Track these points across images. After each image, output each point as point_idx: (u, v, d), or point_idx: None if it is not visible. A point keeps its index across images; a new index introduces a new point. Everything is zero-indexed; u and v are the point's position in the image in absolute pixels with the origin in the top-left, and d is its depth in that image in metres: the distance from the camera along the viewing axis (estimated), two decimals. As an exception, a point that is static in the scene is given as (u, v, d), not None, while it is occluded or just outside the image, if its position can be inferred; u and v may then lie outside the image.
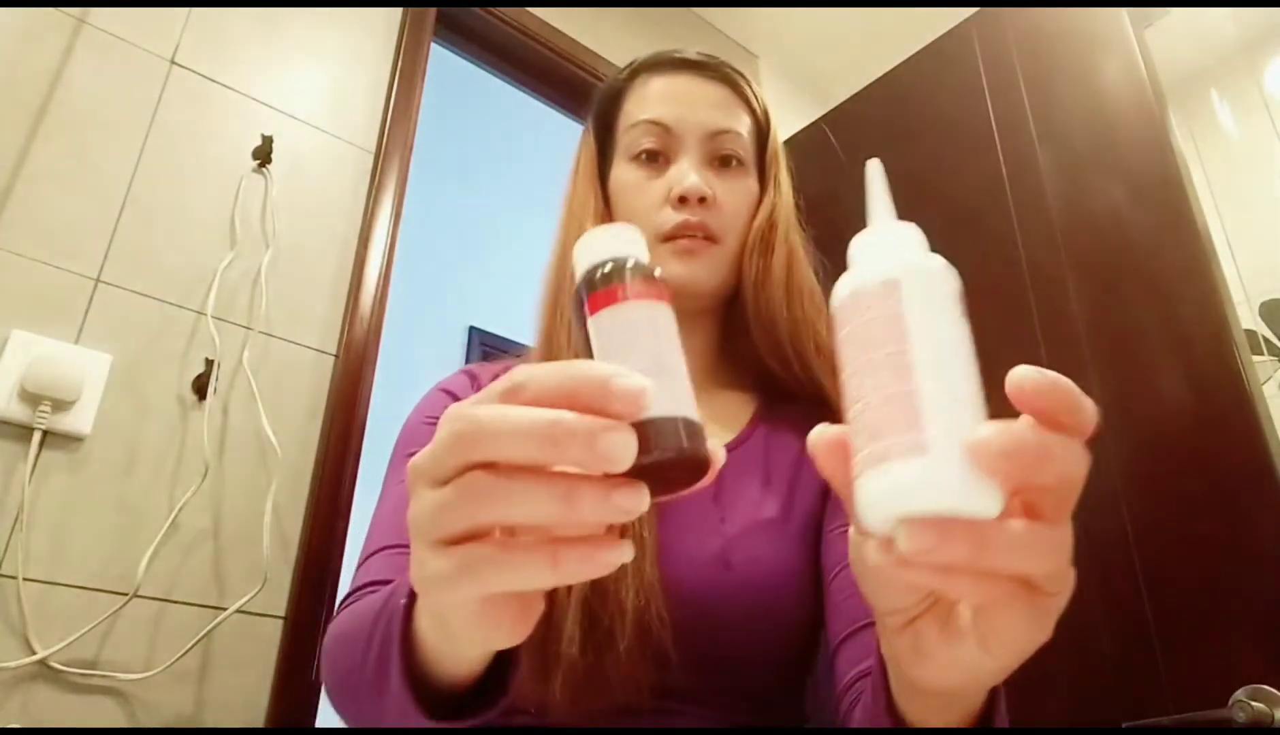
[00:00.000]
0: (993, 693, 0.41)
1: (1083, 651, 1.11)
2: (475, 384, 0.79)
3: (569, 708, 0.60)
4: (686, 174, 0.77)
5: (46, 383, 1.10)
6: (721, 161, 0.80)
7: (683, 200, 0.76)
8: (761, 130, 0.84)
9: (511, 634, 0.34)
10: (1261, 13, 2.39)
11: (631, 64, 0.86)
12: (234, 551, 1.21)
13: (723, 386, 0.82)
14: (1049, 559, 0.30)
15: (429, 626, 0.41)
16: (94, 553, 1.11)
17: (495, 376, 0.72)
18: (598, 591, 0.61)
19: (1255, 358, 1.64)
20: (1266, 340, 2.20)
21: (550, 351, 0.75)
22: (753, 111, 0.84)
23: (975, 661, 0.33)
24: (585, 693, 0.60)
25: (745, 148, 0.81)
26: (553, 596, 0.61)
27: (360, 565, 0.69)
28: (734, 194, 0.79)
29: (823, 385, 0.76)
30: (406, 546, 0.66)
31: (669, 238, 0.76)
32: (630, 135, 0.81)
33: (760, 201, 0.81)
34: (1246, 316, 2.09)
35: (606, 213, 0.81)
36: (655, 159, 0.79)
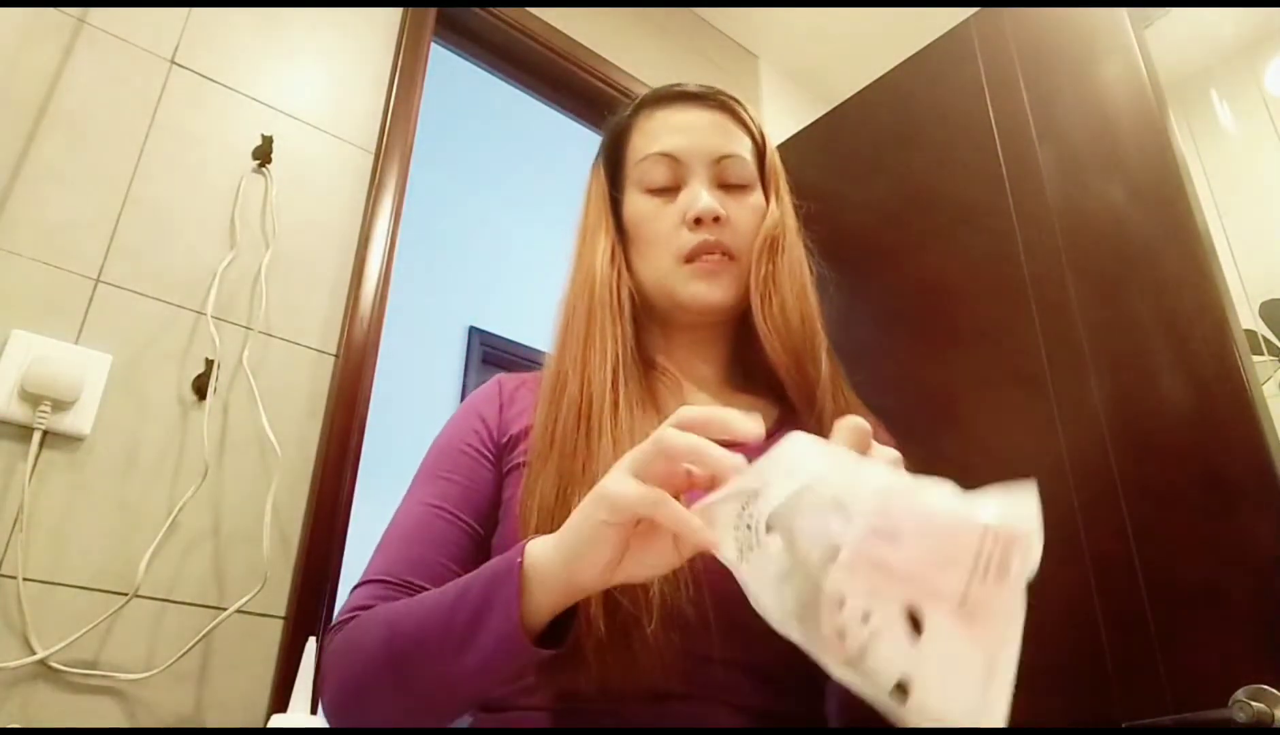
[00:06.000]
0: None
1: (1083, 651, 1.11)
2: (503, 393, 0.83)
3: (598, 692, 0.63)
4: (699, 196, 0.80)
5: (46, 383, 1.10)
6: (729, 184, 0.83)
7: (698, 222, 0.80)
8: (760, 149, 0.88)
9: (609, 563, 0.51)
10: (1261, 13, 2.39)
11: (635, 101, 0.91)
12: (234, 551, 1.21)
13: (741, 391, 0.85)
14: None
15: (544, 563, 0.55)
16: (94, 553, 1.11)
17: (521, 386, 0.83)
18: (623, 588, 0.62)
19: (1255, 358, 1.64)
20: (1266, 340, 2.20)
21: (584, 371, 0.76)
22: (750, 133, 0.88)
23: None
24: (614, 673, 0.62)
25: (748, 168, 0.85)
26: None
27: (358, 585, 0.72)
28: (744, 211, 0.83)
29: (816, 396, 0.78)
30: (401, 583, 0.71)
31: (689, 258, 0.80)
32: (641, 168, 0.85)
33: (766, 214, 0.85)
34: (1246, 316, 2.09)
35: (620, 240, 0.85)
36: (667, 189, 0.83)
